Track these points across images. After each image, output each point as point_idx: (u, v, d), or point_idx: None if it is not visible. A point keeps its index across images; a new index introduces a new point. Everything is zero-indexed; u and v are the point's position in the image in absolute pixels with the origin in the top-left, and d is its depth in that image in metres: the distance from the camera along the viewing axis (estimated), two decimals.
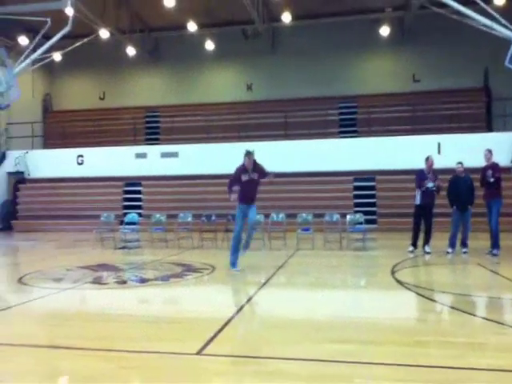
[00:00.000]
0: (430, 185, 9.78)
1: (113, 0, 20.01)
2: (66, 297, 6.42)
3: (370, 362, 3.72)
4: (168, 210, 15.01)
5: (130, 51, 22.02)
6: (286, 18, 19.83)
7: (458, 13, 13.76)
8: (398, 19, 20.56)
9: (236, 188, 7.97)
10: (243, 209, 7.92)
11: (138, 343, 4.24)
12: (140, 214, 16.90)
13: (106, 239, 12.53)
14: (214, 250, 11.31)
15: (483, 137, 16.53)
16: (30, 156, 20.31)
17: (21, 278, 7.66)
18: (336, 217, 11.90)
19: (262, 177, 8.06)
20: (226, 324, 4.75)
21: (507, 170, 14.76)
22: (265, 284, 7.06)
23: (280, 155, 17.33)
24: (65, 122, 22.82)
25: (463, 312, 5.27)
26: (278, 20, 20.64)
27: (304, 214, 12.16)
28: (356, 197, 17.04)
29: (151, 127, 23.00)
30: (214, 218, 12.26)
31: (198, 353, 3.92)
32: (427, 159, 10.09)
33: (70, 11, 15.99)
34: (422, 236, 10.11)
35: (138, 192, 19.06)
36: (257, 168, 7.99)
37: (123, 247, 12.09)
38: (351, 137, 19.52)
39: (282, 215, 12.19)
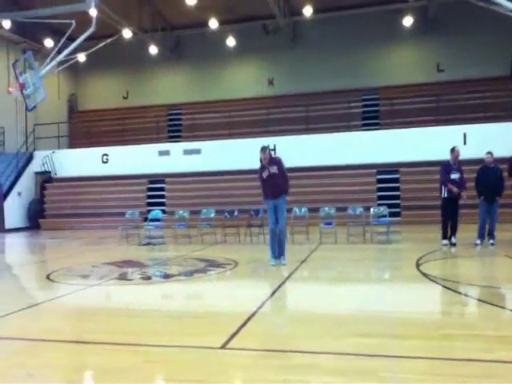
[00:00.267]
0: (455, 176, 9.59)
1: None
2: (92, 293, 6.53)
3: (394, 356, 3.67)
4: (191, 207, 15.14)
5: (153, 50, 22.24)
6: (308, 11, 19.74)
7: None
8: (421, 8, 20.20)
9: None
10: (270, 204, 7.97)
11: (162, 337, 4.28)
12: (164, 211, 17.10)
13: (130, 236, 12.72)
14: (237, 245, 11.35)
15: (510, 126, 16.16)
16: (57, 156, 20.72)
17: (49, 275, 7.81)
18: (359, 210, 11.80)
19: (281, 168, 8.03)
20: (249, 318, 4.76)
21: None
22: (288, 278, 7.04)
23: (302, 149, 17.30)
24: (89, 121, 23.21)
25: (490, 304, 5.16)
26: (299, 14, 20.55)
27: (327, 208, 12.09)
28: (379, 190, 16.88)
29: (174, 125, 23.23)
30: (236, 213, 12.30)
31: (223, 347, 3.94)
32: (453, 150, 9.87)
33: (93, 12, 16.22)
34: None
35: (162, 189, 19.26)
36: (274, 161, 7.99)
37: (147, 243, 12.24)
38: (374, 129, 19.31)
39: (304, 209, 12.16)
